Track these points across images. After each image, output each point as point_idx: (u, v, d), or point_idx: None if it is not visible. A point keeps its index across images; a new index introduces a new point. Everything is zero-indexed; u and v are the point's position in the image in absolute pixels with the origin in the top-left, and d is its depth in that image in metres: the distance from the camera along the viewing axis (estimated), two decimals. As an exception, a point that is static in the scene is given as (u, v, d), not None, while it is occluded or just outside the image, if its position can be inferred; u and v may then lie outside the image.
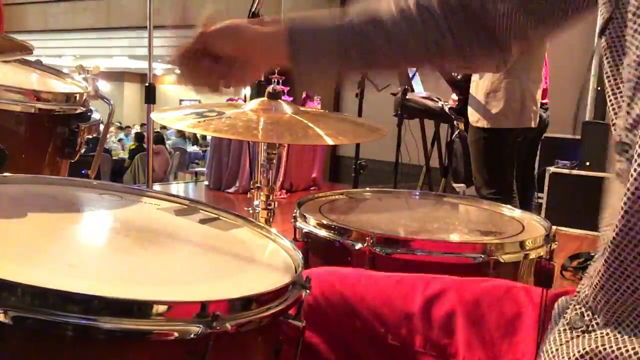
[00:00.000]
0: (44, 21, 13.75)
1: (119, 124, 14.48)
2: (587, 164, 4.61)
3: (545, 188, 4.73)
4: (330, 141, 1.25)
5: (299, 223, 1.32)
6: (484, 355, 0.78)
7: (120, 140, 13.22)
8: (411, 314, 0.83)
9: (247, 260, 0.85)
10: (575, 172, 4.68)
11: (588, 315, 0.63)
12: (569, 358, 0.62)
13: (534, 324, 0.78)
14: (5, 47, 1.30)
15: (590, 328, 0.63)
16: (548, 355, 0.65)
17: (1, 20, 2.37)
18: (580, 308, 0.64)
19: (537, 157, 3.99)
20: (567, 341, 0.64)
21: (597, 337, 0.62)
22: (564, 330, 0.65)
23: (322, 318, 0.86)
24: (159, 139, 9.65)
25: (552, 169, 4.76)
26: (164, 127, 9.96)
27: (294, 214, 1.34)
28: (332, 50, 0.87)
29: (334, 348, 0.86)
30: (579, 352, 0.62)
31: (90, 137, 1.49)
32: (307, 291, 0.76)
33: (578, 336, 0.63)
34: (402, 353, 0.83)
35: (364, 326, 0.85)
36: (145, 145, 5.10)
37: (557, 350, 0.64)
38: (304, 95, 6.86)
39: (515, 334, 0.78)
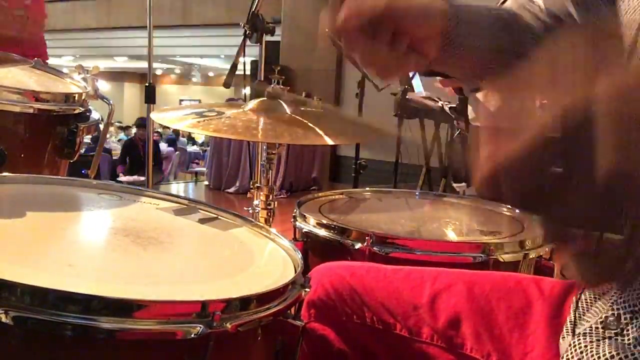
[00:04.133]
0: (44, 21, 13.72)
1: (119, 124, 14.47)
2: (587, 163, 4.60)
3: (545, 188, 4.72)
4: (330, 141, 1.25)
5: (299, 223, 1.32)
6: (493, 347, 0.78)
7: (120, 140, 13.20)
8: (419, 306, 0.84)
9: (247, 260, 0.85)
10: (575, 171, 4.66)
11: (625, 319, 0.62)
12: (599, 357, 0.62)
13: (544, 317, 0.77)
14: (5, 61, 1.30)
15: (625, 332, 0.62)
16: (575, 350, 0.65)
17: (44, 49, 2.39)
18: (618, 310, 0.63)
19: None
20: (599, 340, 0.63)
21: (629, 344, 0.60)
22: (596, 328, 0.64)
23: (333, 310, 0.88)
24: (171, 142, 9.59)
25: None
26: (165, 127, 9.95)
27: (293, 214, 1.34)
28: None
29: (344, 339, 0.88)
30: (610, 353, 0.61)
31: (90, 136, 1.49)
32: (307, 290, 0.77)
33: (610, 337, 0.62)
34: (410, 344, 0.84)
35: (373, 317, 0.86)
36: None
37: (585, 347, 0.64)
38: (304, 95, 6.85)
39: (525, 326, 0.78)
